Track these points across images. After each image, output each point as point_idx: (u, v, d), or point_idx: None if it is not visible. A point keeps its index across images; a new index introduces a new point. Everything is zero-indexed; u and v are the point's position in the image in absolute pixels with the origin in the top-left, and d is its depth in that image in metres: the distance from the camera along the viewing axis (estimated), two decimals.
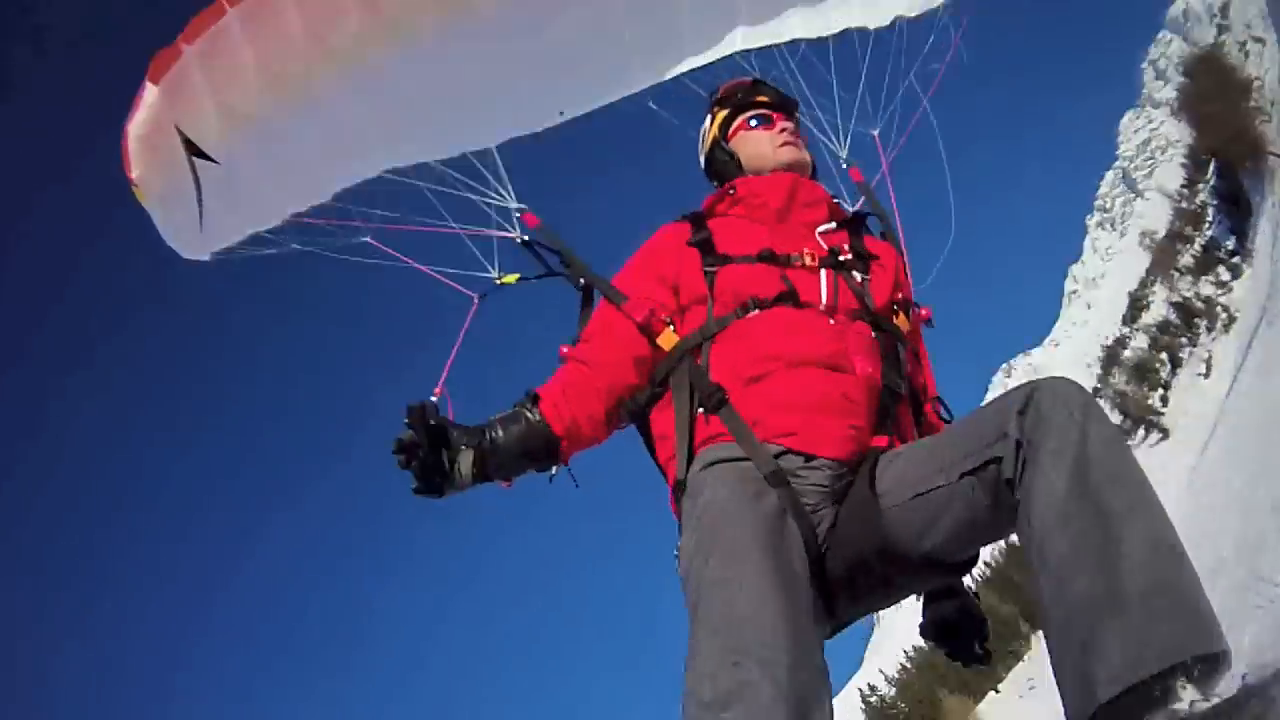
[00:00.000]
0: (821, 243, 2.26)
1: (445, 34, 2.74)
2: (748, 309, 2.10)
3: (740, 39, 3.02)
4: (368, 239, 2.81)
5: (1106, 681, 1.31)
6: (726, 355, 2.07)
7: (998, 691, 20.20)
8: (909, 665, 25.57)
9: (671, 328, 2.17)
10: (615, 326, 2.21)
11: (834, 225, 2.33)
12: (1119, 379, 22.23)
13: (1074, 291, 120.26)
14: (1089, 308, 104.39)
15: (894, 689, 26.05)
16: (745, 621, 1.60)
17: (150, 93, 2.75)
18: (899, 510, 1.80)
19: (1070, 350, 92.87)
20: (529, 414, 2.06)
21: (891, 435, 2.00)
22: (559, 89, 2.96)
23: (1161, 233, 28.73)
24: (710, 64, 2.99)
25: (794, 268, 2.17)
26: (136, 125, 2.79)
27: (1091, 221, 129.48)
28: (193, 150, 2.75)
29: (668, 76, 2.99)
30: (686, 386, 2.07)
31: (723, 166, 2.54)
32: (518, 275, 2.63)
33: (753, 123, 2.53)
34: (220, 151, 2.77)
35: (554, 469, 2.13)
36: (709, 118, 2.65)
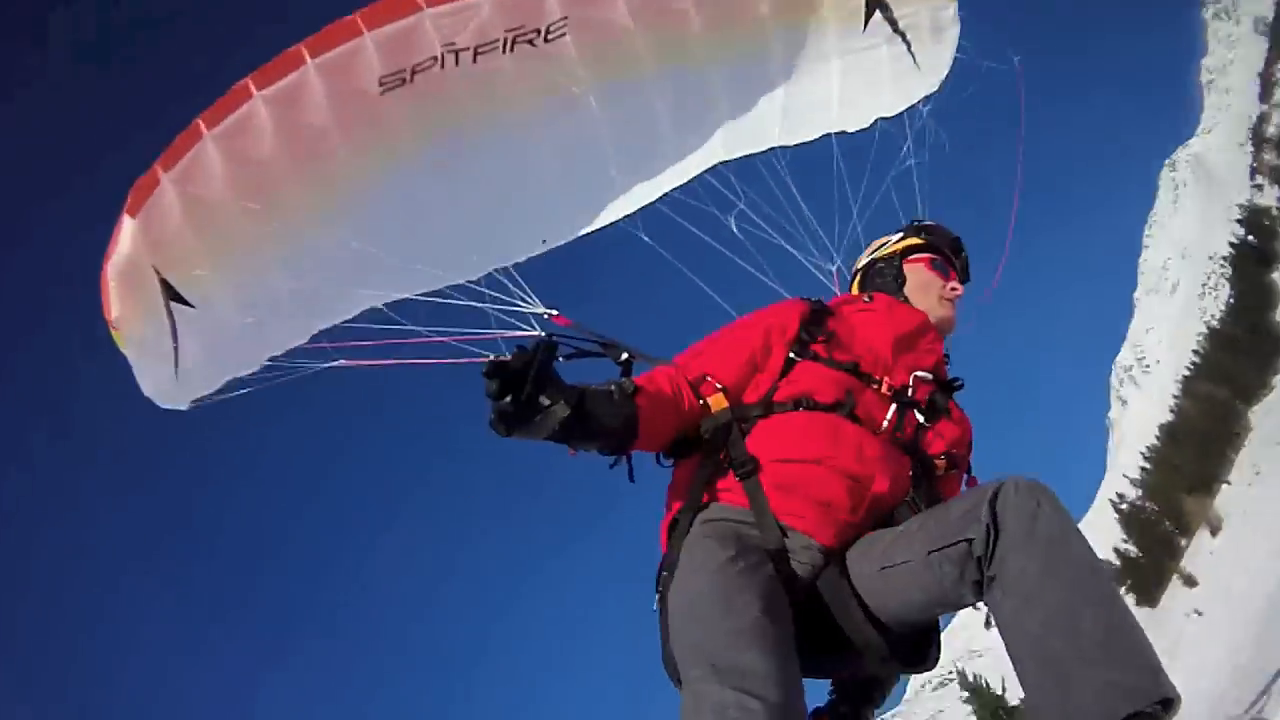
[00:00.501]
0: (910, 380, 2.43)
1: (429, 168, 2.70)
2: (799, 405, 2.28)
3: (721, 150, 3.02)
4: (340, 360, 2.74)
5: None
6: (767, 435, 2.25)
7: (1229, 484, 21.20)
8: (1149, 466, 27.05)
9: (723, 393, 2.32)
10: (719, 361, 2.39)
11: (930, 377, 2.47)
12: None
13: (1210, 82, 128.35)
14: (1227, 93, 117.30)
15: (1140, 490, 27.66)
16: (749, 665, 1.79)
17: (128, 227, 2.66)
18: (868, 580, 2.09)
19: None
20: (626, 402, 2.11)
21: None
22: (543, 222, 2.96)
23: None
24: (695, 177, 3.01)
25: (870, 389, 2.36)
26: (115, 264, 2.69)
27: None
28: (171, 295, 2.68)
29: (654, 198, 2.99)
30: (720, 448, 2.25)
31: (881, 277, 2.77)
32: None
33: (937, 266, 2.75)
34: (199, 294, 2.69)
35: (617, 459, 2.21)
36: (900, 234, 2.84)
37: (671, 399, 2.25)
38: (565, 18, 2.74)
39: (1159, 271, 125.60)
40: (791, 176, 2.96)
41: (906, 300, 2.68)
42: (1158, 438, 39.52)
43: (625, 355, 2.49)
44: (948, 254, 2.78)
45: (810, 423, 2.24)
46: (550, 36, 2.74)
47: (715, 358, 2.40)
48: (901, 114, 3.26)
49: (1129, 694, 1.61)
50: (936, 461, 2.38)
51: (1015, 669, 1.77)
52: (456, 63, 2.68)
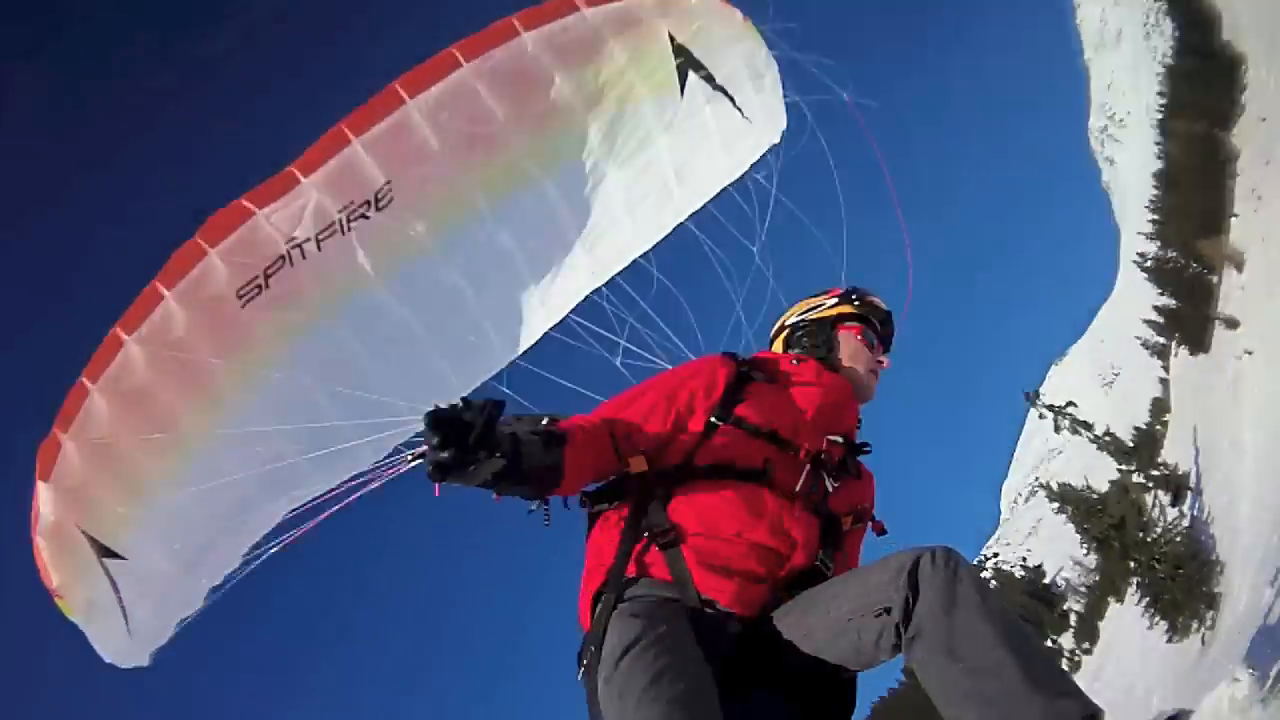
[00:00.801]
0: (824, 445, 2.47)
1: (309, 362, 2.70)
2: (720, 473, 2.31)
3: (587, 273, 3.00)
4: (273, 547, 2.78)
5: None
6: (689, 505, 2.28)
7: (1237, 215, 22.08)
8: (1157, 217, 28.40)
9: (643, 456, 2.33)
10: (641, 419, 2.39)
11: (841, 440, 2.54)
12: None
13: None
14: None
15: (1157, 243, 29.12)
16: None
17: (43, 492, 2.69)
18: (794, 637, 2.17)
19: None
20: (554, 450, 2.14)
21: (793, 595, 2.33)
22: (429, 384, 2.94)
23: None
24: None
25: (786, 454, 2.39)
26: (41, 532, 2.71)
27: None
28: (101, 551, 2.68)
29: (533, 341, 3.00)
30: (640, 513, 2.28)
31: (811, 339, 2.80)
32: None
33: (869, 337, 2.81)
34: (126, 544, 2.69)
35: (539, 504, 2.25)
36: (837, 299, 2.86)
37: (594, 450, 2.27)
38: (389, 181, 2.72)
39: (1098, 26, 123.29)
40: (666, 283, 2.95)
41: (835, 368, 2.73)
42: (1155, 187, 39.42)
43: (545, 420, 2.43)
44: (877, 326, 2.85)
45: (731, 495, 2.28)
46: (381, 204, 2.72)
47: (638, 416, 2.40)
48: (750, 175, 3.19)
49: (1065, 715, 1.80)
50: (844, 519, 2.49)
51: (947, 715, 1.92)
52: (304, 255, 2.68)
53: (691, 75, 3.02)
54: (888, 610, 2.01)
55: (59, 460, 2.69)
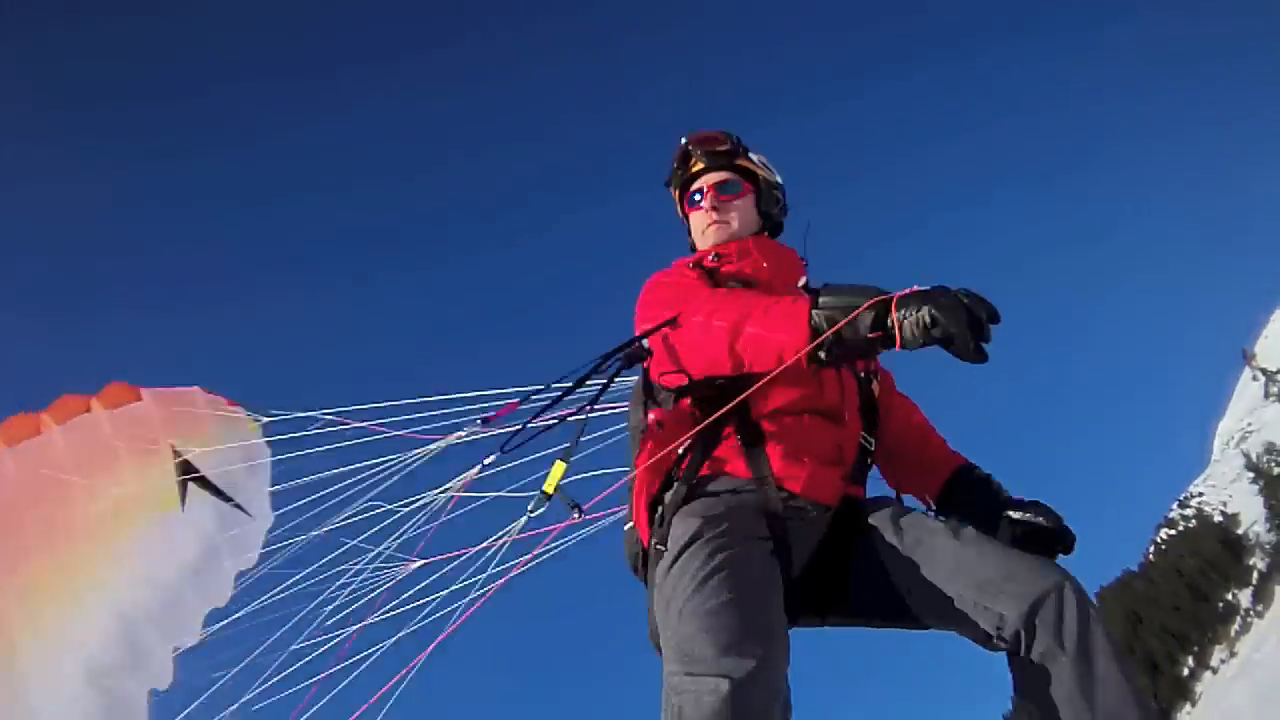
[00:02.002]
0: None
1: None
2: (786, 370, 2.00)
3: None
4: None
5: None
6: (765, 388, 2.04)
7: None
8: None
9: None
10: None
11: (804, 286, 2.31)
12: None
13: None
14: None
15: None
16: (746, 625, 1.78)
17: None
18: (895, 566, 2.04)
19: None
20: None
21: (863, 486, 2.31)
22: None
23: None
24: None
25: None
26: None
27: None
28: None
29: None
30: (720, 410, 2.05)
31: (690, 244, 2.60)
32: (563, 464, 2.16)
33: (694, 199, 2.54)
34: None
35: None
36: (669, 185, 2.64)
37: None
38: None
39: None
40: None
41: (700, 265, 2.38)
42: None
43: (632, 349, 2.26)
44: (689, 175, 2.56)
45: (796, 368, 1.96)
46: None
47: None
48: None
49: None
50: (872, 381, 2.39)
51: None
52: None
53: (191, 486, 3.01)
54: (1000, 629, 1.85)
55: None
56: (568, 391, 2.25)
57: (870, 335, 1.76)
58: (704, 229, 2.51)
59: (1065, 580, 1.85)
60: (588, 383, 2.25)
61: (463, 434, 2.56)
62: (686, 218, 2.60)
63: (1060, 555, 2.07)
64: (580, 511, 2.15)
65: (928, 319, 1.69)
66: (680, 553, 1.95)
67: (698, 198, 2.53)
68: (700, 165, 2.55)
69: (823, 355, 1.83)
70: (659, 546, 2.05)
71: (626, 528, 2.29)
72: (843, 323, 1.77)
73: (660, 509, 2.11)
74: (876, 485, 2.39)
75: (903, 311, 1.72)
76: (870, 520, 2.12)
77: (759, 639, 1.76)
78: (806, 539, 2.12)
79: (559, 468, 2.11)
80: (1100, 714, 1.73)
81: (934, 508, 2.35)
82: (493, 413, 2.46)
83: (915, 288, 1.75)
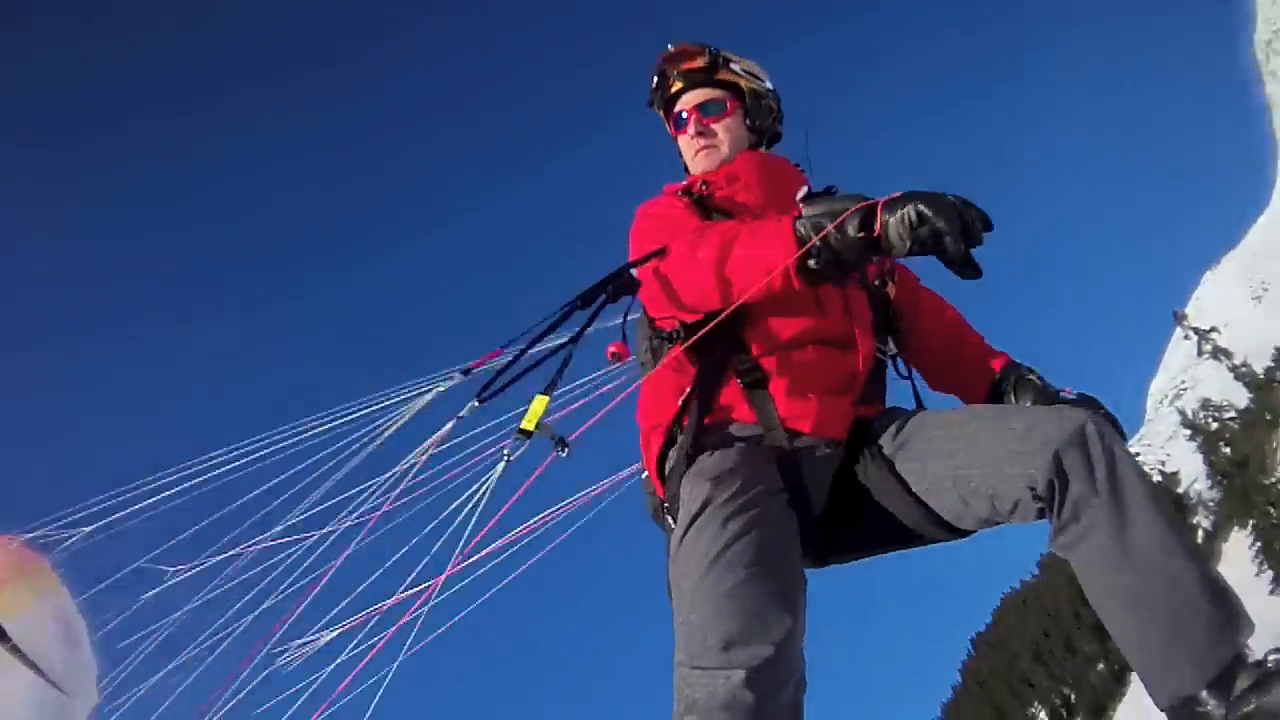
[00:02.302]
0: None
1: None
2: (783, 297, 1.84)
3: None
4: None
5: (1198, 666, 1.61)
6: (764, 324, 1.96)
7: None
8: None
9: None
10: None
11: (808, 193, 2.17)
12: None
13: None
14: None
15: None
16: (761, 605, 1.67)
17: None
18: (910, 474, 1.89)
19: None
20: None
21: (880, 401, 2.12)
22: None
23: None
24: None
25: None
26: None
27: None
28: None
29: None
30: (717, 354, 1.96)
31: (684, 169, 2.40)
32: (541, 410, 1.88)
33: (679, 121, 2.34)
34: None
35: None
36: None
37: None
38: None
39: None
40: None
41: (690, 191, 2.20)
42: None
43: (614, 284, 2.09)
44: (669, 96, 2.35)
45: (798, 294, 1.82)
46: None
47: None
48: None
49: (1236, 630, 1.64)
50: (886, 288, 2.21)
51: (1114, 620, 1.70)
52: None
53: None
54: (1032, 489, 1.71)
55: None
56: (552, 327, 2.05)
57: (859, 236, 1.67)
58: (693, 155, 2.34)
59: (1088, 419, 1.76)
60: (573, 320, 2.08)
61: (440, 388, 2.10)
62: (675, 140, 2.44)
63: None
64: (565, 446, 1.99)
65: (914, 216, 1.61)
66: (690, 523, 1.82)
67: (683, 120, 2.35)
68: (679, 85, 2.35)
69: (812, 264, 1.72)
70: (668, 517, 1.94)
71: (643, 477, 2.16)
72: (830, 227, 1.68)
73: (666, 468, 1.99)
74: (900, 394, 2.22)
75: (888, 212, 1.65)
76: (880, 441, 1.98)
77: (775, 618, 1.68)
78: (821, 478, 1.97)
79: (540, 402, 1.89)
80: (1139, 564, 1.68)
81: None
82: (473, 362, 2.17)
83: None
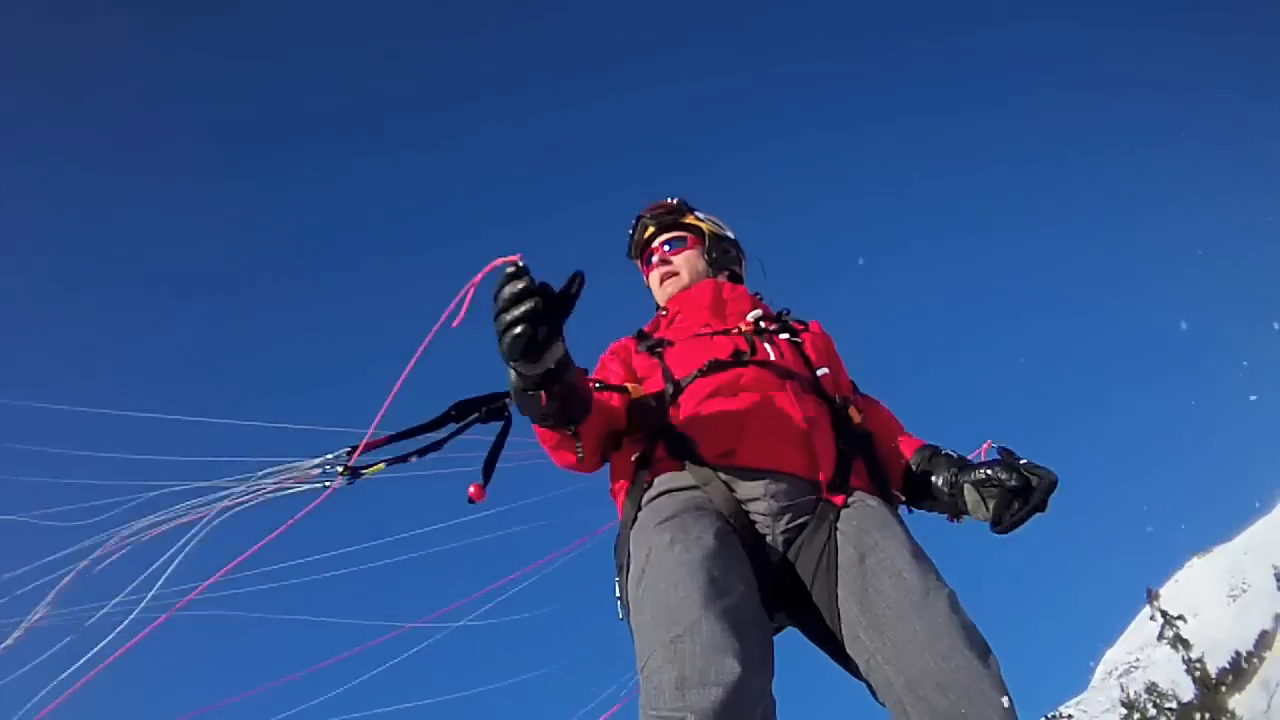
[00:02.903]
0: (752, 320, 2.35)
1: None
2: (705, 370, 2.12)
3: None
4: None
5: None
6: (694, 405, 2.07)
7: None
8: None
9: (639, 384, 2.21)
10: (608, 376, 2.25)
11: (760, 314, 2.39)
12: None
13: None
14: None
15: None
16: (710, 649, 1.62)
17: None
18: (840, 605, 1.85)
19: None
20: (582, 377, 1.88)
21: (847, 493, 2.03)
22: None
23: None
24: None
25: (736, 335, 2.27)
26: None
27: None
28: None
29: None
30: (650, 427, 2.09)
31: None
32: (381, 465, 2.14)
33: (649, 260, 2.68)
34: None
35: (574, 431, 1.92)
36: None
37: (601, 410, 2.04)
38: None
39: None
40: None
41: (661, 309, 2.56)
42: None
43: (504, 404, 2.20)
44: (643, 241, 2.73)
45: (731, 377, 2.08)
46: None
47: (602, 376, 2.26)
48: None
49: None
50: (826, 385, 2.23)
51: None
52: None
53: None
54: None
55: None
56: (423, 429, 2.17)
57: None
58: (658, 284, 2.66)
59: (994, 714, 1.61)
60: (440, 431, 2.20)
61: (330, 485, 2.10)
62: (647, 282, 2.76)
63: (1036, 511, 1.97)
64: (353, 471, 2.10)
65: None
66: (640, 574, 1.85)
67: (653, 259, 2.71)
68: (651, 229, 2.74)
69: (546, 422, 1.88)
70: (621, 572, 1.99)
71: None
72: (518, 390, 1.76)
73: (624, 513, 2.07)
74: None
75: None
76: (840, 550, 1.91)
77: (727, 656, 1.61)
78: (773, 514, 1.96)
79: (378, 468, 2.11)
80: None
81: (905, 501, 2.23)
82: (356, 448, 2.15)
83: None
